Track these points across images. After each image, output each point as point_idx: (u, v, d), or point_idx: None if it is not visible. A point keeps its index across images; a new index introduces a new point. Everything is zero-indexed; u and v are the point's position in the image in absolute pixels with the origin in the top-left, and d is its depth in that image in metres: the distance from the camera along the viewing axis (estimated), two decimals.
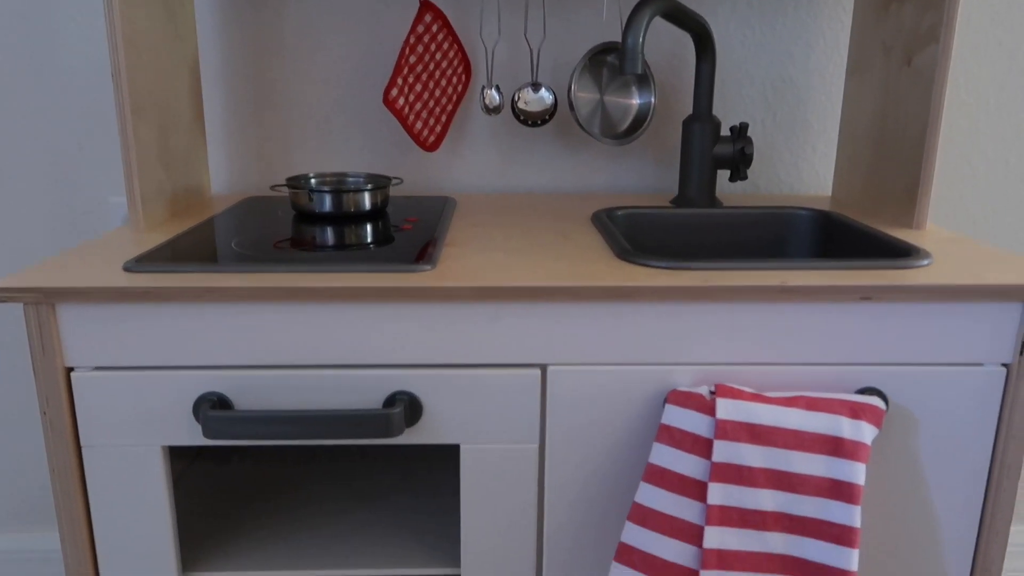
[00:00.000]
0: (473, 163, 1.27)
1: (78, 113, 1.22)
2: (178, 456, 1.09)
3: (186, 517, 0.98)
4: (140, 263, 0.79)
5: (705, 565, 0.74)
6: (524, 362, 0.80)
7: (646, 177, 1.29)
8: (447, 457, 1.15)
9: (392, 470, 1.10)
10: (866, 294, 0.77)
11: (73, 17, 1.18)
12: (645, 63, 1.20)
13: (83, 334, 0.77)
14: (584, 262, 0.83)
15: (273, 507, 1.00)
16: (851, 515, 0.74)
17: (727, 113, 1.27)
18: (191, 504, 1.01)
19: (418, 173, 1.27)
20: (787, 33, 1.24)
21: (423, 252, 0.85)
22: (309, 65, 1.21)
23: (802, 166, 1.30)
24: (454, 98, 1.21)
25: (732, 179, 1.17)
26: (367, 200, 1.03)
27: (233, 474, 1.08)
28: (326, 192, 1.02)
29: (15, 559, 1.40)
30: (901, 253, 0.88)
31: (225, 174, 1.26)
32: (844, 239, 1.03)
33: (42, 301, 0.75)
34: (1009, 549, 1.45)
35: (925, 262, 0.83)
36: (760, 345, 0.80)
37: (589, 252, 0.88)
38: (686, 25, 1.09)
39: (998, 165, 1.29)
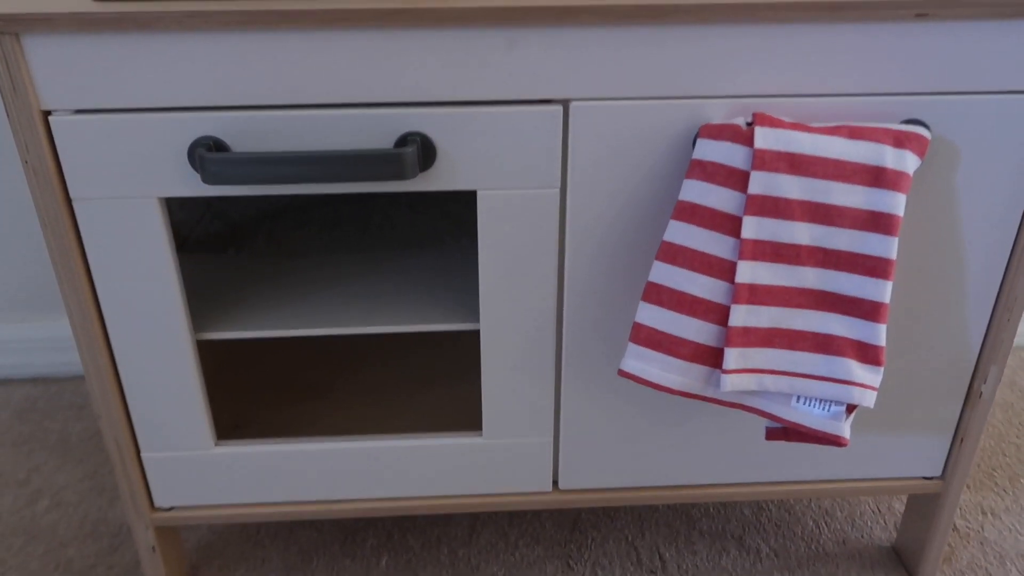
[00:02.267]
0: None
1: None
2: None
3: (189, 287, 0.95)
4: None
5: (736, 299, 0.72)
6: (544, 97, 0.73)
7: None
8: (461, 213, 1.11)
9: (402, 230, 1.07)
10: (922, 10, 0.70)
11: None
12: None
13: (57, 73, 0.69)
14: None
15: (280, 274, 0.97)
16: (888, 247, 0.71)
17: None
18: (191, 280, 0.97)
19: None
20: None
21: None
22: None
23: None
24: None
25: None
26: None
27: (228, 260, 1.03)
28: None
29: (25, 348, 1.39)
30: None
31: None
32: None
33: (3, 31, 0.66)
34: None
35: None
36: (802, 75, 0.73)
37: None
38: None
39: None
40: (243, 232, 1.10)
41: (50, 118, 0.71)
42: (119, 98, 0.70)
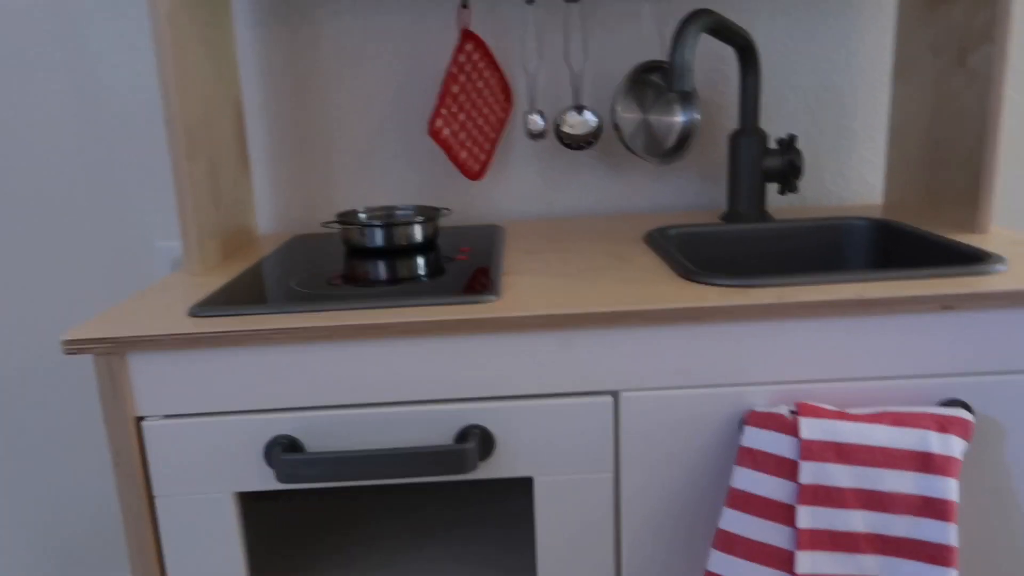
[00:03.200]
0: (518, 189, 1.26)
1: (121, 158, 1.23)
2: None
3: (250, 559, 0.97)
4: (205, 308, 0.79)
5: None
6: (596, 389, 0.78)
7: (691, 194, 1.28)
8: (516, 487, 1.13)
9: (459, 502, 1.09)
10: (947, 303, 0.75)
11: (116, 65, 1.20)
12: None
13: (153, 382, 0.76)
14: (649, 284, 0.82)
15: (337, 543, 0.99)
16: (946, 533, 0.71)
17: (768, 124, 1.25)
18: (252, 546, 1.00)
19: (461, 201, 1.27)
20: (828, 40, 1.22)
21: (485, 282, 0.84)
22: (347, 99, 1.22)
23: (849, 174, 1.28)
24: (497, 126, 1.20)
25: (782, 192, 1.15)
26: (419, 232, 1.03)
27: (287, 514, 1.06)
28: (377, 227, 1.01)
29: None
30: (973, 259, 0.85)
31: (269, 213, 1.26)
32: (906, 247, 1.01)
33: (113, 351, 0.74)
34: None
35: (1001, 267, 0.81)
36: (837, 361, 0.78)
37: (651, 274, 0.86)
38: (731, 39, 1.08)
39: None
40: None
41: (142, 423, 0.77)
42: (205, 403, 0.77)
